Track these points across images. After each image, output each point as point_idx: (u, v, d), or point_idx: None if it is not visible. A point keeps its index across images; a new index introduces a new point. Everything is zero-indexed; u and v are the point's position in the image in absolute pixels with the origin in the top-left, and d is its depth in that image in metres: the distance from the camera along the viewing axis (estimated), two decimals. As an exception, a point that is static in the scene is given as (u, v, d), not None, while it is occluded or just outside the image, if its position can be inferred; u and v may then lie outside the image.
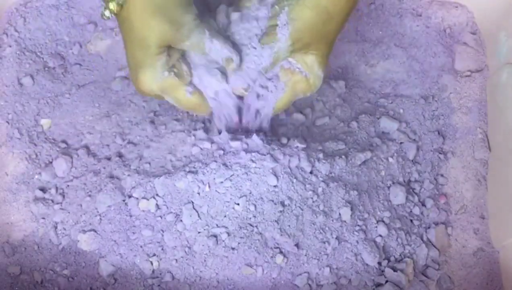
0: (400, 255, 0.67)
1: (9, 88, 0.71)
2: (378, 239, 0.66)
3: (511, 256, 0.67)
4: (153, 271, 0.64)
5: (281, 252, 0.64)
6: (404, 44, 0.79)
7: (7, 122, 0.70)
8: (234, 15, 0.62)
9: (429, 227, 0.69)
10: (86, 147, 0.70)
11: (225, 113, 0.65)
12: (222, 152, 0.65)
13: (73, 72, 0.74)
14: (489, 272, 0.69)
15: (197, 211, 0.63)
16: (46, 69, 0.73)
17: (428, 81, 0.76)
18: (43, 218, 0.67)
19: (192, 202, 0.64)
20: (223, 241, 0.63)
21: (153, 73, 0.57)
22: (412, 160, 0.72)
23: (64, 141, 0.71)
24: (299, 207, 0.64)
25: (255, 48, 0.61)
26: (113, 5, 0.53)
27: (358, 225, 0.66)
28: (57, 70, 0.74)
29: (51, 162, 0.69)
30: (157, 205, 0.65)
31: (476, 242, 0.70)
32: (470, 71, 0.76)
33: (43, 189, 0.68)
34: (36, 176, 0.68)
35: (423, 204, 0.70)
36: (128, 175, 0.67)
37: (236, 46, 0.61)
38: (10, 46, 0.73)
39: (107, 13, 0.54)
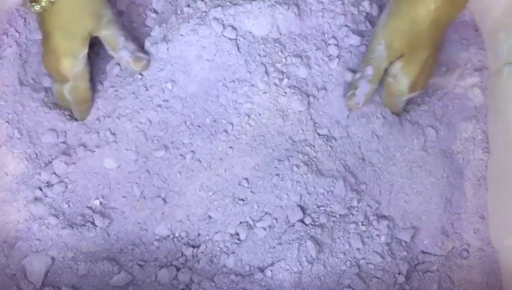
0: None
1: (9, 88, 0.71)
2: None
3: (511, 256, 0.67)
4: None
5: None
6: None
7: (7, 122, 0.70)
8: None
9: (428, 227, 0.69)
10: (85, 146, 0.70)
11: None
12: None
13: (73, 72, 0.74)
14: (489, 272, 0.69)
15: None
16: (46, 69, 0.73)
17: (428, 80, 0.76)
18: (43, 218, 0.67)
19: None
20: None
21: (74, 61, 0.66)
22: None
23: (63, 141, 0.71)
24: None
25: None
26: (44, 2, 0.62)
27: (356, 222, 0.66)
28: (57, 70, 0.74)
29: (50, 162, 0.69)
30: None
31: (476, 242, 0.70)
32: (470, 71, 0.76)
33: (43, 189, 0.68)
34: (36, 176, 0.68)
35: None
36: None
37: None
38: (10, 47, 0.73)
39: (37, 7, 0.63)
